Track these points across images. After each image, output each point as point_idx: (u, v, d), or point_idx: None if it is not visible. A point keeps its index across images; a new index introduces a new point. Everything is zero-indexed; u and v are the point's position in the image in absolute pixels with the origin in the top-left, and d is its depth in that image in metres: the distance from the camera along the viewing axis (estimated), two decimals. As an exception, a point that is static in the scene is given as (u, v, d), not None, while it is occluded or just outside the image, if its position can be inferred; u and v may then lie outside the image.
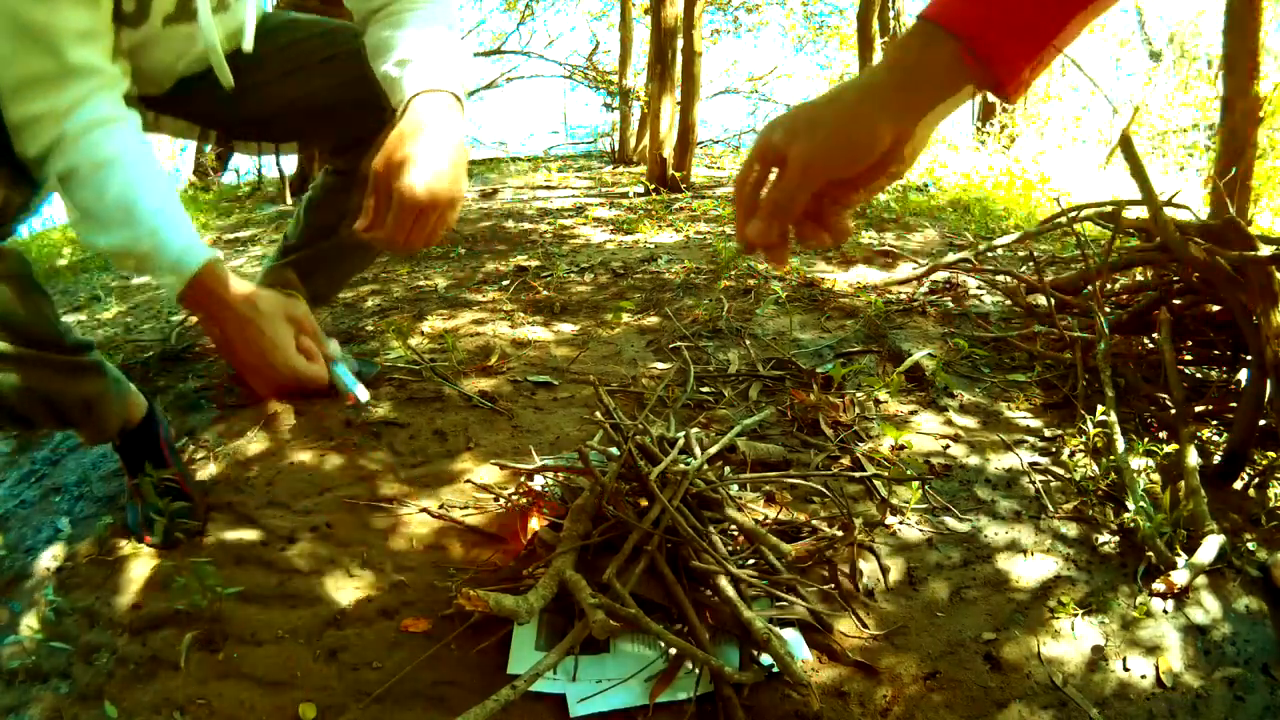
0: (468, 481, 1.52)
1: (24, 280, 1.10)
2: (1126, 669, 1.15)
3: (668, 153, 4.76)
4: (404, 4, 1.21)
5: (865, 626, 1.19)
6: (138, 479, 1.38)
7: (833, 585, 1.26)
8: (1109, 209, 2.13)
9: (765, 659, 1.08)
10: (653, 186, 4.66)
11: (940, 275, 2.65)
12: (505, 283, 2.69)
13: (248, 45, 1.34)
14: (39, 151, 1.06)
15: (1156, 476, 1.52)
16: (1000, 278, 2.50)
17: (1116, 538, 1.38)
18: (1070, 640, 1.19)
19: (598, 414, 1.46)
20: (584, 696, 1.06)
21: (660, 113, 4.77)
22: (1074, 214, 2.22)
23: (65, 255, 3.56)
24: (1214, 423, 1.71)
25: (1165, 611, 1.24)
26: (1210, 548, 1.29)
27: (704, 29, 6.66)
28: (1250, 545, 1.36)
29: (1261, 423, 1.51)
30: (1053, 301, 2.10)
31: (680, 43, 4.70)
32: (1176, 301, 1.87)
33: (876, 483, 1.51)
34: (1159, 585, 1.26)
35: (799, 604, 1.17)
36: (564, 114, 10.76)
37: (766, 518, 1.38)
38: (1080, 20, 0.55)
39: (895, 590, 1.27)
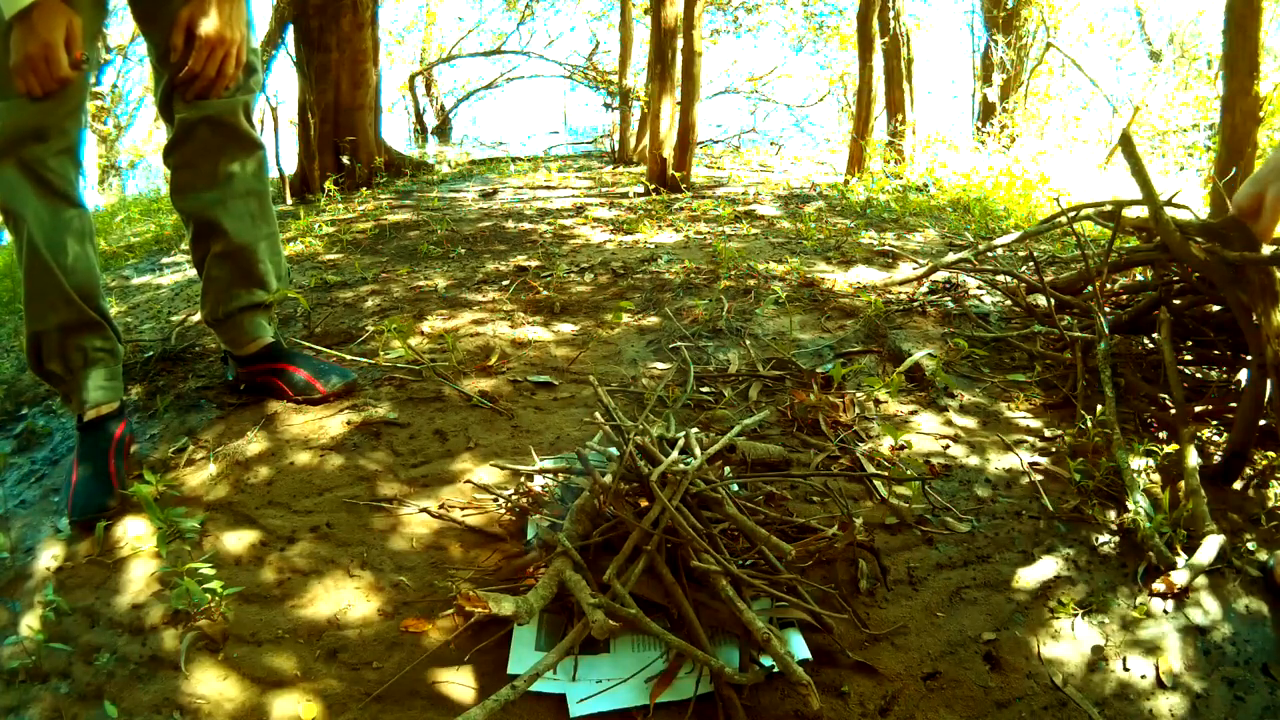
0: (468, 481, 1.52)
1: (92, 240, 1.55)
2: (1126, 669, 1.15)
3: (668, 153, 4.76)
4: None
5: (865, 626, 1.19)
6: (82, 461, 1.52)
7: (833, 585, 1.26)
8: (1109, 208, 2.12)
9: (765, 659, 1.08)
10: (653, 186, 4.66)
11: (940, 275, 2.65)
12: (505, 283, 2.69)
13: None
14: None
15: (1156, 476, 1.52)
16: (1000, 278, 2.51)
17: (1116, 538, 1.38)
18: (1070, 640, 1.19)
19: (598, 414, 1.46)
20: (584, 696, 1.06)
21: (660, 113, 4.78)
22: (1074, 214, 2.22)
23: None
24: (1214, 423, 1.71)
25: (1165, 611, 1.24)
26: (1210, 548, 1.29)
27: (704, 29, 6.66)
28: (1250, 545, 1.36)
29: (1261, 423, 1.51)
30: (1053, 302, 2.10)
31: (680, 43, 4.70)
32: (1176, 301, 1.87)
33: (876, 483, 1.51)
34: (1159, 585, 1.26)
35: (799, 604, 1.17)
36: (564, 114, 10.77)
37: (766, 518, 1.38)
38: None
39: (895, 590, 1.27)
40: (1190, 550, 1.31)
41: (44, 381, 1.61)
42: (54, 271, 1.48)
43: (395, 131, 9.48)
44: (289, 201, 4.67)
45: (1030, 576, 1.31)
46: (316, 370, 1.81)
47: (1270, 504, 1.46)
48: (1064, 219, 2.25)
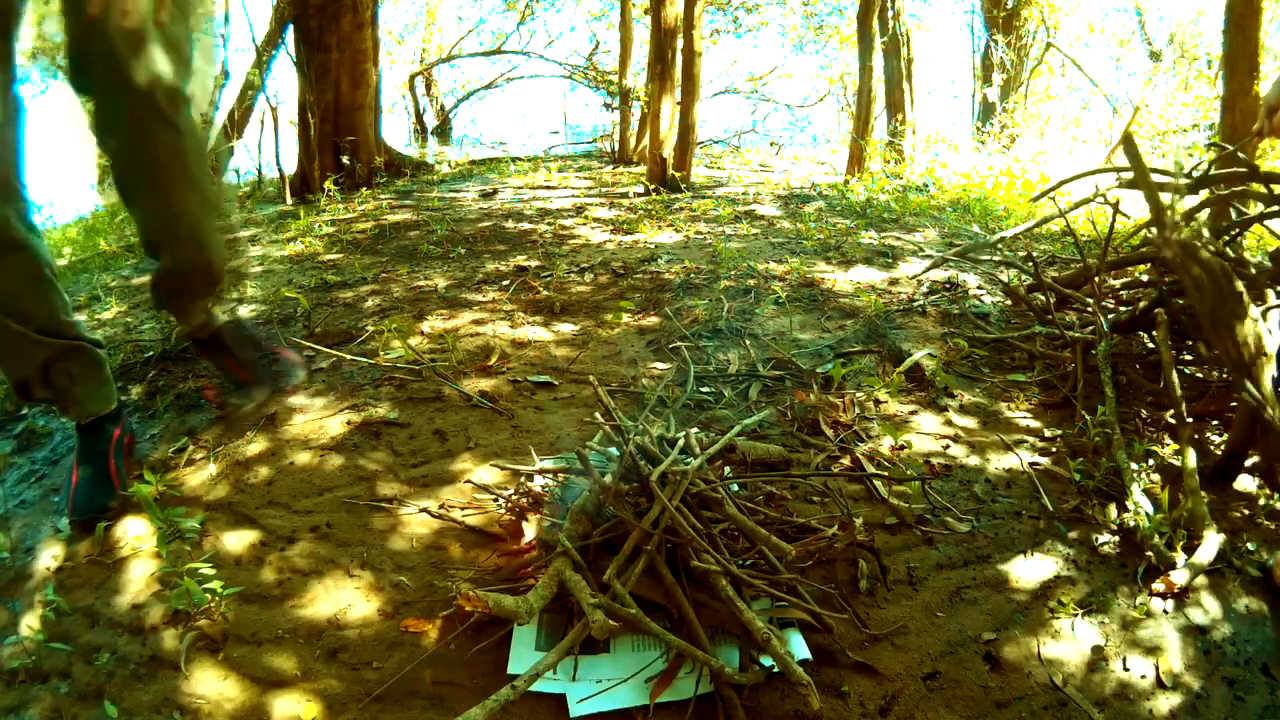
0: (468, 481, 1.52)
1: (47, 270, 1.41)
2: (1126, 669, 1.15)
3: (668, 153, 4.76)
4: None
5: (865, 626, 1.19)
6: (83, 462, 1.50)
7: (833, 585, 1.26)
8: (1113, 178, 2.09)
9: (765, 659, 1.08)
10: (653, 186, 4.66)
11: (940, 275, 2.65)
12: (505, 283, 2.69)
13: None
14: None
15: (1156, 476, 1.52)
16: (1006, 269, 2.50)
17: (1116, 538, 1.38)
18: (1070, 640, 1.19)
19: (598, 414, 1.46)
20: (584, 696, 1.06)
21: (660, 113, 4.78)
22: (1063, 195, 2.21)
23: (65, 255, 3.56)
24: (1214, 423, 1.71)
25: (1165, 611, 1.24)
26: (1210, 548, 1.29)
27: (704, 29, 6.66)
28: (1250, 545, 1.36)
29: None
30: (1053, 299, 2.10)
31: (680, 43, 4.70)
32: (1177, 301, 1.87)
33: (876, 483, 1.51)
34: (1159, 585, 1.26)
35: (799, 604, 1.17)
36: (564, 114, 10.76)
37: (766, 518, 1.38)
38: None
39: (895, 590, 1.27)
40: (1190, 550, 1.31)
41: (38, 405, 1.59)
42: (12, 328, 1.39)
43: (395, 131, 9.47)
44: (289, 201, 4.67)
45: (1030, 576, 1.31)
46: (259, 364, 1.85)
47: (1270, 504, 1.46)
48: (1062, 211, 2.24)
